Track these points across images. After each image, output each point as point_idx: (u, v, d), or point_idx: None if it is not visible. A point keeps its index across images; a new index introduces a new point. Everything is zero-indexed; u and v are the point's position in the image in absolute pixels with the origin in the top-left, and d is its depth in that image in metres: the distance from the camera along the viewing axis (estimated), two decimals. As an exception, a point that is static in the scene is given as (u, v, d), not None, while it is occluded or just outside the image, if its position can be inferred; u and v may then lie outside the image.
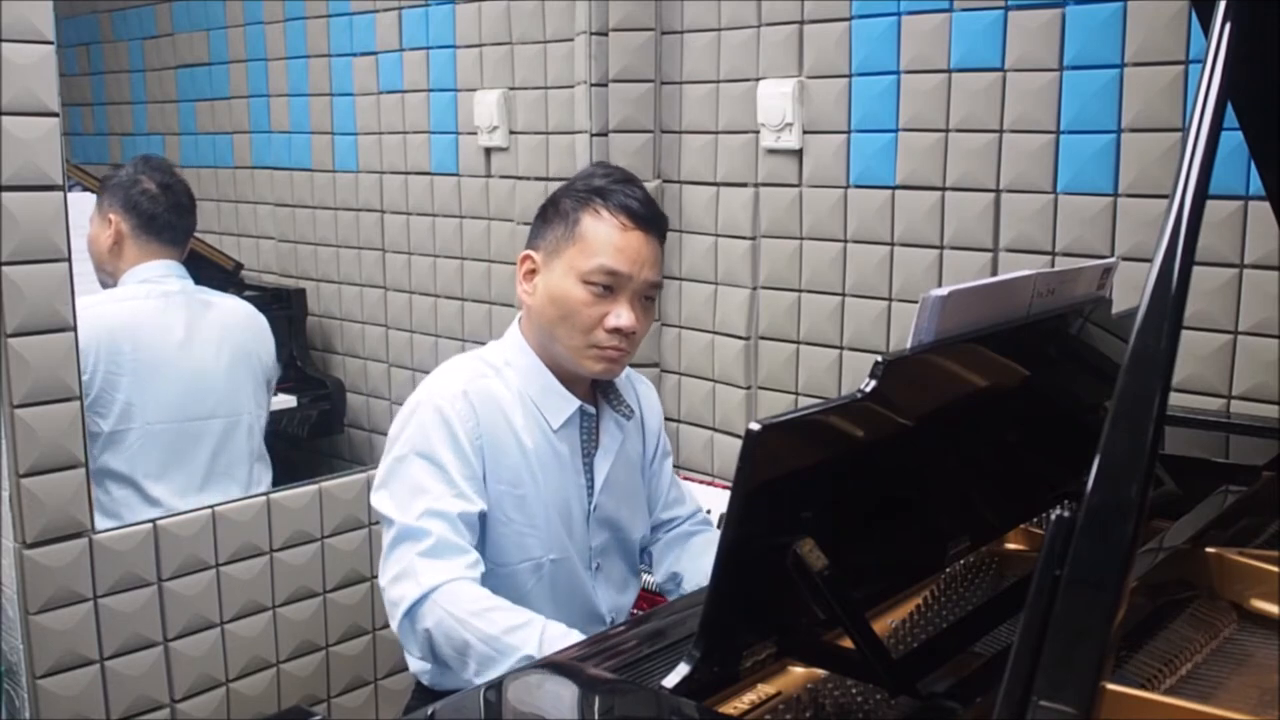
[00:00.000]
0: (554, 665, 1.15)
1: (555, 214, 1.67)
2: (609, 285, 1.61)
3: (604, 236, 1.61)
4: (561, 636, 1.46)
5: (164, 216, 2.37)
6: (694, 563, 1.81)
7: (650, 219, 1.65)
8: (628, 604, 1.83)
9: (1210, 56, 0.96)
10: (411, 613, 1.52)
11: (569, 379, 1.70)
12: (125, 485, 2.25)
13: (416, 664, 1.75)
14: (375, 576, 2.23)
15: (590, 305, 1.61)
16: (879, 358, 1.04)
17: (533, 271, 1.67)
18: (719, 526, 2.29)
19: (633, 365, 2.47)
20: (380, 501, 1.62)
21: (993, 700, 0.84)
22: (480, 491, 1.61)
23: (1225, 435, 1.67)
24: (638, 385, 1.87)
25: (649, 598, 2.06)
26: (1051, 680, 0.81)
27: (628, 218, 1.62)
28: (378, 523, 2.19)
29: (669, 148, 2.43)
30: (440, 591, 1.51)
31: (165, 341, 2.30)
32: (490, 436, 1.63)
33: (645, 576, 1.95)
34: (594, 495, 1.73)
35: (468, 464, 1.60)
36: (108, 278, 2.40)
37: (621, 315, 1.61)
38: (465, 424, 1.61)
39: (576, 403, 1.70)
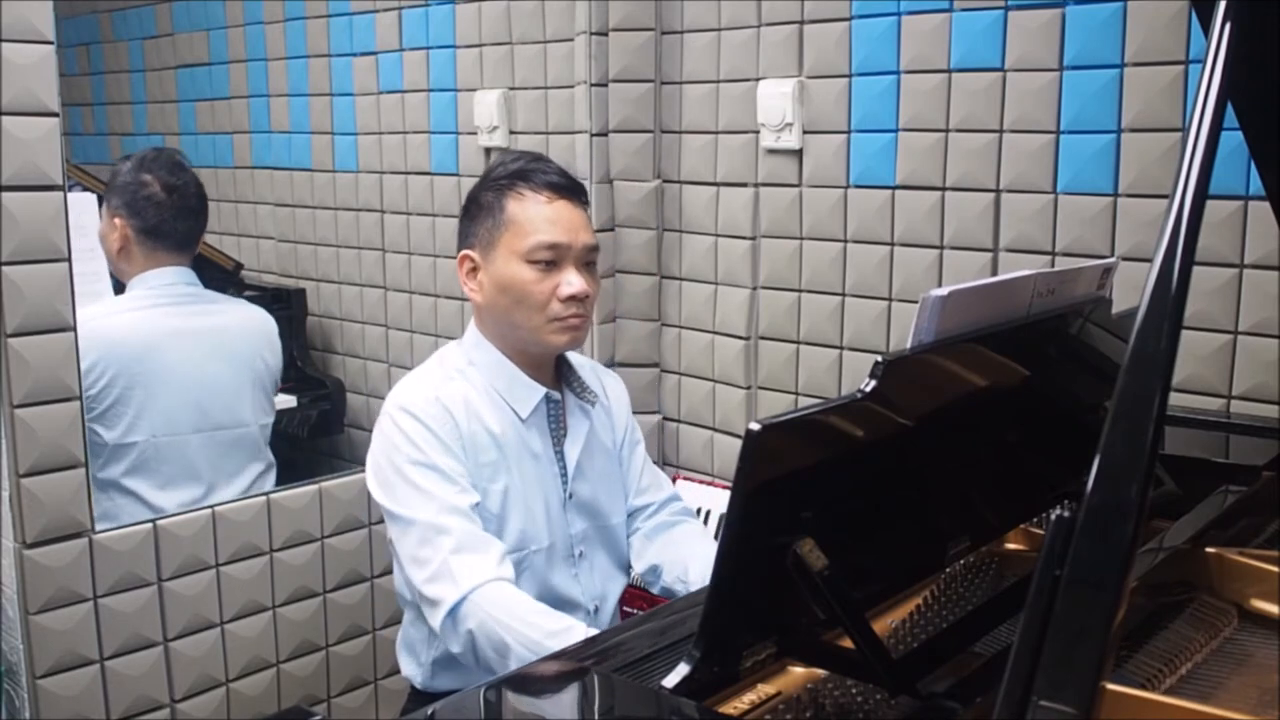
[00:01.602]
0: (554, 665, 1.15)
1: (479, 209, 1.72)
2: (551, 260, 1.66)
3: (534, 214, 1.67)
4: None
5: (170, 223, 2.31)
6: (674, 553, 1.81)
7: (571, 188, 1.71)
8: (614, 593, 1.83)
9: (1210, 56, 0.96)
10: (454, 613, 1.55)
11: (533, 367, 1.74)
12: (128, 495, 2.23)
13: (410, 667, 1.76)
14: (376, 576, 2.24)
15: (538, 281, 1.66)
16: (879, 358, 1.04)
17: (474, 269, 1.71)
18: (719, 526, 2.29)
19: (633, 365, 2.48)
20: (388, 501, 1.65)
21: (993, 700, 0.84)
22: (473, 485, 1.65)
23: (1225, 435, 1.67)
24: (604, 378, 1.90)
25: (648, 597, 2.06)
26: (1051, 680, 0.81)
27: (551, 191, 1.68)
28: (378, 522, 2.21)
29: (669, 148, 2.43)
30: (480, 593, 1.55)
31: (173, 353, 2.27)
32: (468, 437, 1.66)
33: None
34: (568, 482, 1.75)
35: (459, 460, 1.65)
36: (120, 275, 2.38)
37: (573, 282, 1.66)
38: (444, 427, 1.65)
39: (542, 390, 1.73)
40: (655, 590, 1.85)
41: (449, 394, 1.68)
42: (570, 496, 1.76)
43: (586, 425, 1.79)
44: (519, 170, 1.70)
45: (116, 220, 2.31)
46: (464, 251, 1.72)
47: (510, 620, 1.52)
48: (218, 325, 2.37)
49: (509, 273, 1.66)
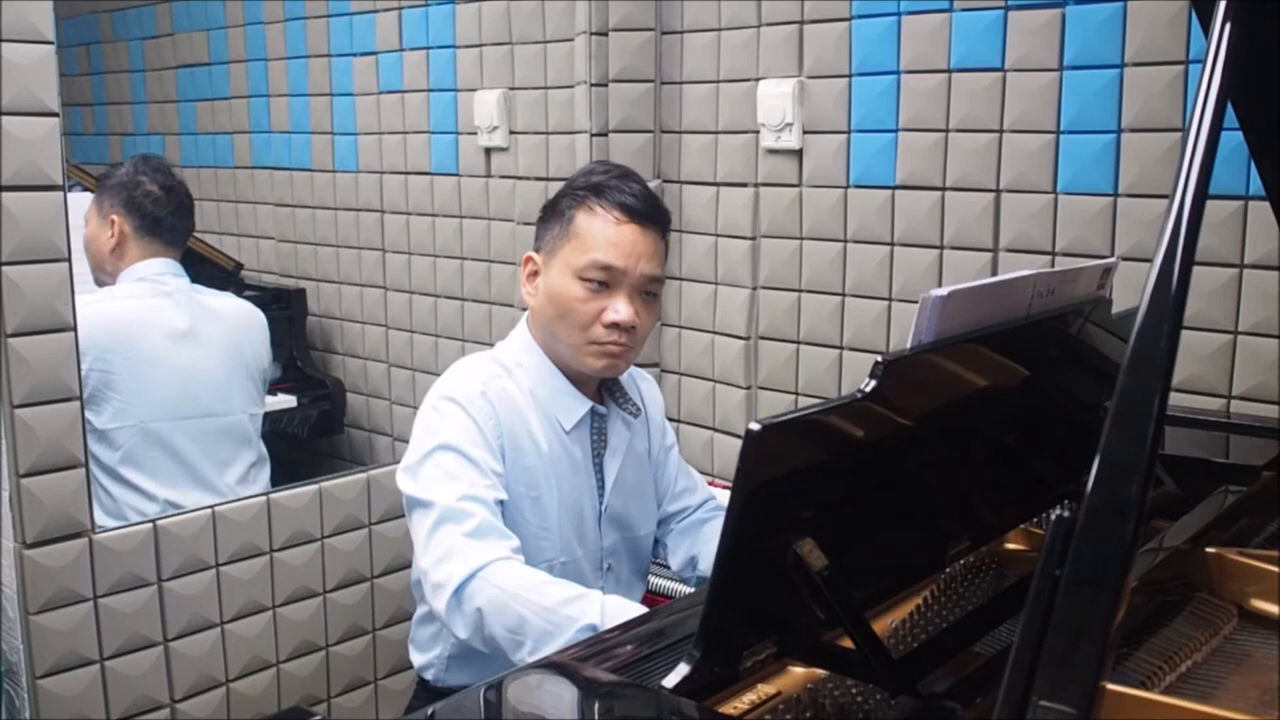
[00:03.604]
0: (554, 665, 1.15)
1: (553, 214, 1.69)
2: (604, 281, 1.61)
3: (598, 232, 1.62)
4: (623, 607, 1.44)
5: (168, 219, 2.38)
6: (709, 546, 1.81)
7: (647, 213, 1.66)
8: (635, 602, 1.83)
9: (1210, 56, 0.96)
10: (460, 592, 1.49)
11: (577, 379, 1.71)
12: (119, 482, 2.26)
13: (422, 659, 1.74)
14: (376, 576, 2.24)
15: (586, 301, 1.62)
16: (879, 358, 1.04)
17: (535, 273, 1.69)
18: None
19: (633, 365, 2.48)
20: (411, 487, 1.60)
21: (993, 700, 0.84)
22: (505, 486, 1.62)
23: (1225, 435, 1.67)
24: (640, 382, 1.87)
25: (651, 598, 2.06)
26: (1051, 680, 0.81)
27: (622, 212, 1.63)
28: (377, 522, 2.21)
29: (669, 148, 2.43)
30: (489, 569, 1.49)
31: (160, 340, 2.30)
32: (510, 437, 1.63)
33: (656, 571, 1.96)
34: (605, 496, 1.73)
35: (495, 457, 1.61)
36: (106, 278, 2.40)
37: (620, 310, 1.61)
38: (488, 422, 1.61)
39: (588, 403, 1.70)
40: (693, 585, 1.86)
41: (496, 390, 1.64)
42: (605, 509, 1.74)
43: (628, 438, 1.76)
44: (598, 184, 1.65)
45: (113, 218, 2.35)
46: (530, 253, 1.70)
47: (521, 591, 1.46)
48: (204, 315, 2.40)
49: (561, 285, 1.63)
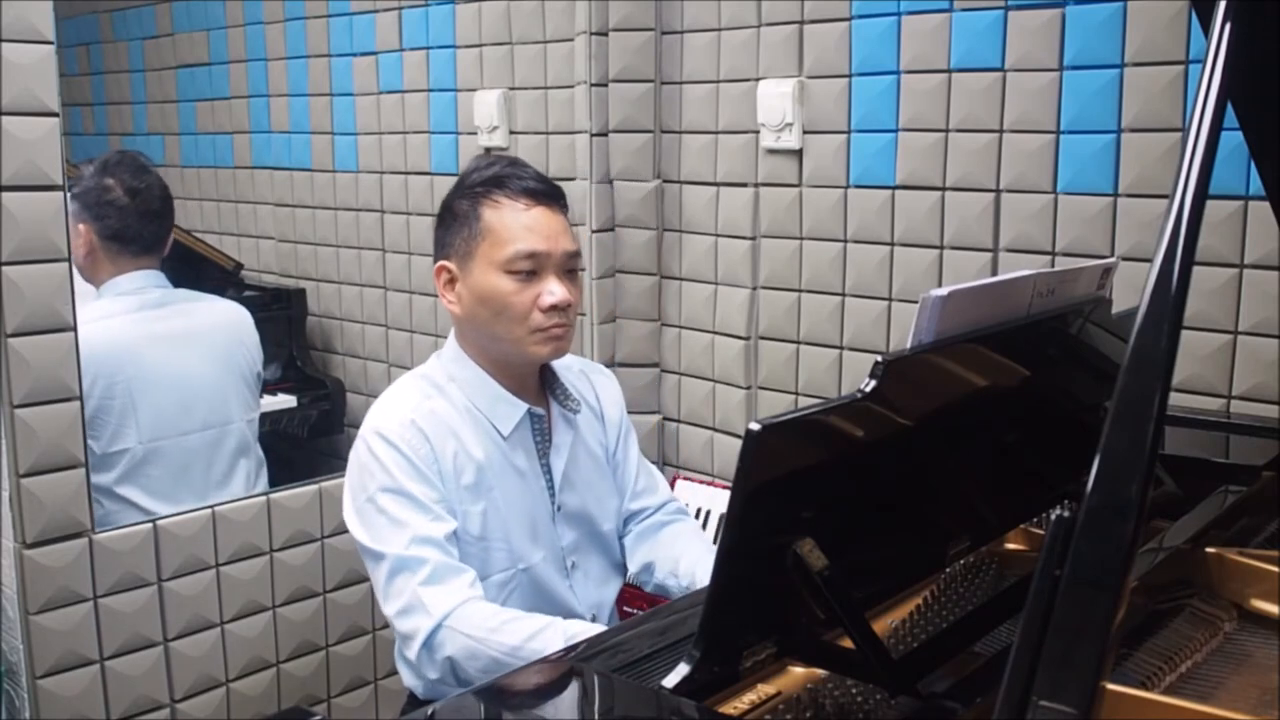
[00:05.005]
0: (554, 665, 1.15)
1: (454, 218, 1.67)
2: (531, 269, 1.62)
3: (510, 222, 1.62)
4: (584, 632, 1.48)
5: (134, 228, 2.26)
6: (666, 551, 1.80)
7: (548, 193, 1.66)
8: (609, 599, 1.83)
9: (1210, 56, 0.96)
10: (429, 643, 1.53)
11: (516, 382, 1.70)
12: (121, 502, 2.21)
13: (411, 677, 1.74)
14: (375, 576, 2.24)
15: (518, 292, 1.62)
16: (879, 358, 1.04)
17: (451, 281, 1.67)
18: (719, 526, 2.29)
19: (633, 365, 2.48)
20: (361, 535, 1.62)
21: (993, 700, 0.84)
22: (451, 510, 1.62)
23: (1225, 435, 1.67)
24: (594, 377, 1.86)
25: (648, 597, 2.06)
26: (1051, 680, 0.81)
27: (527, 198, 1.64)
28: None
29: (669, 148, 2.43)
30: (453, 617, 1.53)
31: (151, 357, 2.24)
32: (445, 461, 1.63)
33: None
34: (555, 495, 1.73)
35: (434, 487, 1.61)
36: (88, 283, 2.36)
37: (554, 292, 1.62)
38: (419, 452, 1.61)
39: (524, 407, 1.70)
40: (649, 589, 1.85)
41: (425, 415, 1.64)
42: (559, 508, 1.73)
43: (572, 435, 1.76)
44: (494, 176, 1.65)
45: (81, 226, 2.25)
46: (440, 263, 1.68)
47: (487, 634, 1.50)
48: (192, 324, 2.34)
49: (487, 284, 1.62)
